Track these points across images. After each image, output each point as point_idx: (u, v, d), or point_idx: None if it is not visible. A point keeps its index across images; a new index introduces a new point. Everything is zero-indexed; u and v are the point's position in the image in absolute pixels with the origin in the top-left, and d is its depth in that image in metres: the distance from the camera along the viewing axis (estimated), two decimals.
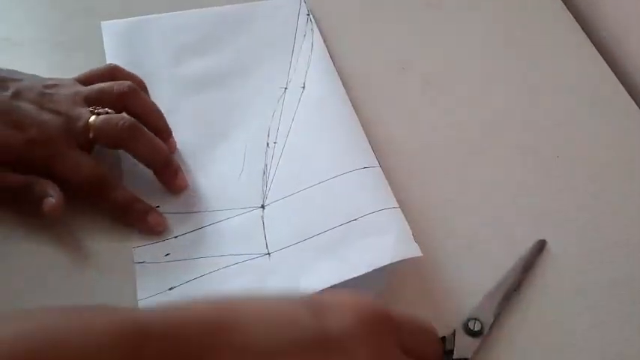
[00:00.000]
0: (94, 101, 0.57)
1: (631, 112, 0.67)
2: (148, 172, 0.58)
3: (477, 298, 0.53)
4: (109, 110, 0.57)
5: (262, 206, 0.57)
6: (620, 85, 0.69)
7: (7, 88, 0.56)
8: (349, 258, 0.52)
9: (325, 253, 0.53)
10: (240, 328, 0.37)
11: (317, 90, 0.64)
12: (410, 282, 0.54)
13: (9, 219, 0.55)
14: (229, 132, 0.62)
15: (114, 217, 0.56)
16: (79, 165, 0.55)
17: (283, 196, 0.57)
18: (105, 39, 0.68)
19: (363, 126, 0.62)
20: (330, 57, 0.68)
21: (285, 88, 0.65)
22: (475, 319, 0.51)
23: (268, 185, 0.58)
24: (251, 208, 0.57)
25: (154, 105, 0.60)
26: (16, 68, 0.58)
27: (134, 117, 0.57)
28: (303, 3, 0.72)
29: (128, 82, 0.59)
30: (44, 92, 0.57)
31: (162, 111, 0.60)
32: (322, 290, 0.50)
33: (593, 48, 0.72)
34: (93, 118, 0.55)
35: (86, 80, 0.60)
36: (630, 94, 0.68)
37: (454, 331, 0.51)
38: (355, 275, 0.50)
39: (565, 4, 0.75)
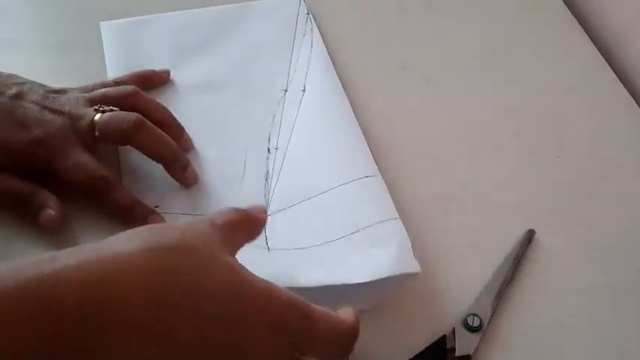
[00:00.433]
0: (98, 102, 0.57)
1: (631, 112, 0.67)
2: (148, 172, 0.58)
3: (474, 294, 0.53)
4: (114, 108, 0.57)
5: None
6: (620, 85, 0.69)
7: (8, 89, 0.56)
8: (348, 266, 0.52)
9: (324, 259, 0.53)
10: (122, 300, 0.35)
11: (317, 93, 0.64)
12: (407, 281, 0.54)
13: (9, 220, 0.55)
14: (229, 134, 0.62)
15: (114, 217, 0.55)
16: (80, 165, 0.54)
17: (286, 206, 0.57)
18: (104, 39, 0.68)
19: (362, 126, 0.62)
20: (330, 57, 0.68)
21: (285, 91, 0.65)
22: (474, 314, 0.51)
23: (270, 193, 0.58)
24: None
25: (160, 104, 0.60)
26: (16, 68, 0.58)
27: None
28: (302, 2, 0.72)
29: (132, 86, 0.59)
30: (47, 95, 0.57)
31: None
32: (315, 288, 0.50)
33: (593, 48, 0.72)
34: (98, 116, 0.55)
35: (91, 89, 0.60)
36: (630, 94, 0.68)
37: (454, 328, 0.51)
38: (351, 282, 0.50)
39: (565, 4, 0.75)
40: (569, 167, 0.63)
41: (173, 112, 0.61)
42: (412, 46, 0.71)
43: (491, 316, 0.52)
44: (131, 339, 0.35)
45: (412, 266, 0.51)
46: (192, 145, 0.61)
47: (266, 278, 0.45)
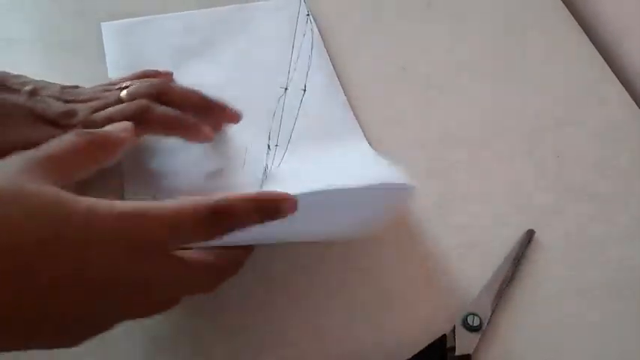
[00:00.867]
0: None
1: (631, 112, 0.67)
2: (146, 161, 0.58)
3: (474, 294, 0.53)
4: (135, 82, 0.57)
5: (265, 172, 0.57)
6: (620, 85, 0.69)
7: (23, 87, 0.55)
8: (345, 178, 0.53)
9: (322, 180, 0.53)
10: None
11: (319, 93, 0.65)
12: (407, 281, 0.54)
13: None
14: (230, 132, 0.62)
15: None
16: (112, 111, 0.54)
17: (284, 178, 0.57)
18: (105, 40, 0.68)
19: (362, 126, 0.62)
20: (331, 57, 0.68)
21: (286, 89, 0.65)
22: (473, 314, 0.51)
23: (268, 179, 0.58)
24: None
25: (188, 88, 0.60)
26: (16, 68, 0.58)
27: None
28: (303, 3, 0.72)
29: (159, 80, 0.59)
30: (63, 89, 0.56)
31: None
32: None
33: (593, 48, 0.72)
34: (123, 92, 0.56)
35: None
36: (630, 94, 0.68)
37: (454, 327, 0.51)
38: (349, 187, 0.49)
39: (565, 4, 0.75)
40: (569, 167, 0.63)
41: None
42: (412, 47, 0.71)
43: (491, 316, 0.52)
44: None
45: (407, 181, 0.50)
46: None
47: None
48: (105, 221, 0.38)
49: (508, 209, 0.59)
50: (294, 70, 0.66)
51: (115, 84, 0.59)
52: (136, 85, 0.57)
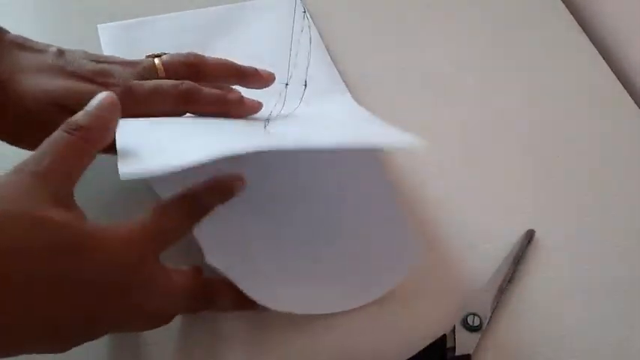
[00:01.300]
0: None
1: (631, 112, 0.67)
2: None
3: (474, 294, 0.53)
4: (166, 52, 0.57)
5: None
6: (620, 85, 0.69)
7: (45, 51, 0.54)
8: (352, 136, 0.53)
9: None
10: None
11: (320, 88, 0.65)
12: (407, 281, 0.54)
13: None
14: (232, 129, 0.62)
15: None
16: (160, 83, 0.53)
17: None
18: (102, 42, 0.68)
19: None
20: (330, 57, 0.68)
21: (287, 84, 0.65)
22: (473, 314, 0.51)
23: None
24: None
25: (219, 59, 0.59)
26: None
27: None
28: (298, 1, 0.72)
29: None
30: (88, 53, 0.55)
31: None
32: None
33: (593, 48, 0.72)
34: (157, 59, 0.55)
35: None
36: (630, 94, 0.68)
37: (454, 327, 0.51)
38: (357, 144, 0.51)
39: (565, 4, 0.75)
40: (569, 167, 0.63)
41: None
42: (412, 47, 0.71)
43: (491, 316, 0.52)
44: None
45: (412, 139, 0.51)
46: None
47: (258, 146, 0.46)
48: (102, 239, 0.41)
49: (508, 209, 0.59)
50: (295, 66, 0.66)
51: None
52: (170, 54, 0.56)
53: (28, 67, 0.52)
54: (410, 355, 0.50)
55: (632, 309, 0.54)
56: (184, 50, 0.67)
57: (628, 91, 0.69)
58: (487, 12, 0.74)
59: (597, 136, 0.65)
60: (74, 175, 0.42)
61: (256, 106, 0.57)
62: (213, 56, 0.67)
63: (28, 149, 0.52)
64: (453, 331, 0.51)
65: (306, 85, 0.65)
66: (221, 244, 0.52)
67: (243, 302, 0.48)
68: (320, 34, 0.70)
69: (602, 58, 0.71)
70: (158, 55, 0.56)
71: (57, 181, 0.41)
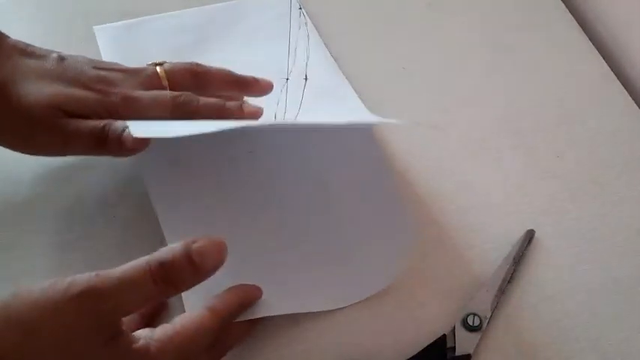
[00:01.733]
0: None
1: (631, 112, 0.67)
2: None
3: (474, 294, 0.53)
4: (168, 61, 0.57)
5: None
6: (620, 85, 0.69)
7: (46, 56, 0.54)
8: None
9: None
10: None
11: (321, 81, 0.65)
12: (407, 280, 0.54)
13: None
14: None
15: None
16: (158, 94, 0.54)
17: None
18: (100, 43, 0.67)
19: None
20: (331, 55, 0.68)
21: (287, 79, 0.65)
22: (473, 314, 0.51)
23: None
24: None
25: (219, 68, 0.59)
26: None
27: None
28: None
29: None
30: (89, 59, 0.56)
31: None
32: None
33: (593, 48, 0.72)
34: (159, 67, 0.55)
35: None
36: (630, 94, 0.68)
37: (454, 327, 0.51)
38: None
39: (565, 4, 0.75)
40: (569, 167, 0.63)
41: None
42: (412, 47, 0.71)
43: (491, 316, 0.52)
44: None
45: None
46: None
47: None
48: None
49: (508, 209, 0.59)
50: (294, 61, 0.66)
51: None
52: (172, 63, 0.56)
53: (28, 72, 0.52)
54: (410, 355, 0.50)
55: (632, 309, 0.54)
56: (183, 50, 0.67)
57: (628, 91, 0.69)
58: (487, 12, 0.74)
59: (597, 136, 0.65)
60: (131, 311, 0.40)
61: (257, 112, 0.57)
62: (213, 55, 0.67)
63: (28, 154, 0.53)
64: (453, 331, 0.51)
65: (306, 78, 0.65)
66: None
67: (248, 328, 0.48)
68: (319, 33, 0.70)
69: (602, 58, 0.71)
70: (160, 64, 0.56)
71: (119, 322, 0.39)
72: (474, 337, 0.51)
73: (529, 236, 0.57)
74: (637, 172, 0.63)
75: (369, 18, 0.73)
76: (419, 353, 0.50)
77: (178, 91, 0.54)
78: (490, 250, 0.56)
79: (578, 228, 0.59)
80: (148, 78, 0.55)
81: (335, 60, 0.68)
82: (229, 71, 0.59)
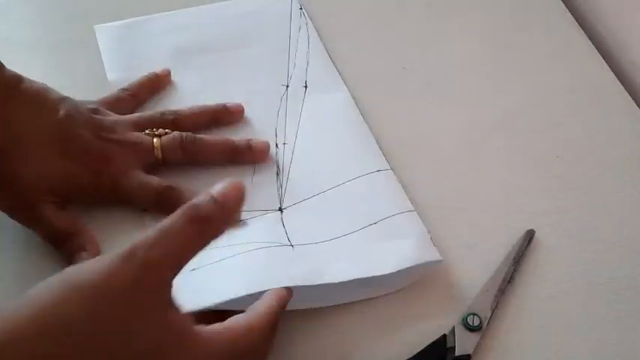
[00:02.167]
0: (143, 126, 0.59)
1: (631, 112, 0.67)
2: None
3: (474, 294, 0.53)
4: (167, 130, 0.58)
5: (280, 209, 0.57)
6: (620, 85, 0.69)
7: (55, 110, 0.55)
8: (370, 260, 0.53)
9: (346, 254, 0.53)
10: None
11: (320, 89, 0.65)
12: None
13: None
14: (235, 131, 0.62)
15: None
16: (146, 184, 0.56)
17: (300, 200, 0.57)
18: (100, 42, 0.67)
19: None
20: (331, 58, 0.68)
21: (287, 86, 0.65)
22: (473, 314, 0.51)
23: (283, 188, 0.58)
24: (269, 211, 0.57)
25: (197, 109, 0.62)
26: (15, 68, 0.57)
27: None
28: None
29: (173, 111, 0.61)
30: (92, 119, 0.57)
31: None
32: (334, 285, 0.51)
33: (593, 48, 0.72)
34: (156, 139, 0.57)
35: (109, 105, 0.61)
36: (630, 94, 0.68)
37: (453, 327, 0.51)
38: (376, 274, 0.51)
39: (565, 4, 0.75)
40: (569, 167, 0.63)
41: None
42: (413, 47, 0.71)
43: (491, 316, 0.52)
44: None
45: (433, 255, 0.53)
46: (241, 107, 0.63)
47: (292, 278, 0.48)
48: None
49: (508, 209, 0.59)
50: (294, 66, 0.66)
51: (121, 97, 0.62)
52: (169, 136, 0.58)
53: (32, 137, 0.54)
54: (410, 355, 0.50)
55: (632, 309, 0.54)
56: (182, 50, 0.67)
57: (628, 91, 0.68)
58: (487, 12, 0.74)
59: (597, 136, 0.65)
60: (183, 266, 0.40)
61: (264, 149, 0.60)
62: (212, 56, 0.67)
63: (22, 223, 0.55)
64: (453, 331, 0.51)
65: (306, 86, 0.65)
66: None
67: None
68: (319, 33, 0.70)
69: (602, 58, 0.71)
70: (159, 135, 0.58)
71: (167, 275, 0.39)
72: (474, 337, 0.51)
73: (529, 236, 0.57)
74: (637, 171, 0.63)
75: (369, 18, 0.73)
76: (419, 353, 0.50)
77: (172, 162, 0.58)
78: (490, 250, 0.56)
79: (578, 228, 0.59)
80: (145, 151, 0.57)
81: (334, 59, 0.68)
82: (224, 141, 0.60)
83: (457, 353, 0.50)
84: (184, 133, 0.58)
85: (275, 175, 0.59)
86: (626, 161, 0.63)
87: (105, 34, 0.68)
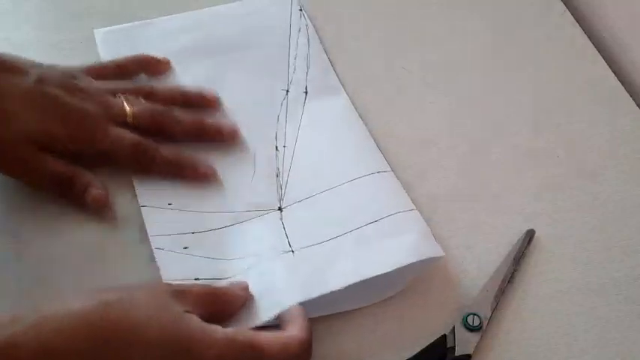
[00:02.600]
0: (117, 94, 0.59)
1: (631, 112, 0.67)
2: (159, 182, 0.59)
3: (474, 294, 0.53)
4: (141, 99, 0.59)
5: (280, 209, 0.57)
6: (620, 85, 0.69)
7: (26, 73, 0.56)
8: (372, 257, 0.53)
9: (348, 253, 0.53)
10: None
11: (320, 94, 0.65)
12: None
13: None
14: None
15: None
16: (122, 137, 0.57)
17: (299, 199, 0.57)
18: (99, 46, 0.67)
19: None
20: (330, 57, 0.68)
21: (287, 91, 0.65)
22: (473, 314, 0.51)
23: (283, 188, 0.58)
24: (268, 211, 0.57)
25: (174, 87, 0.63)
26: None
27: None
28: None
29: (150, 85, 0.62)
30: (66, 80, 0.58)
31: None
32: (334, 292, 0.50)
33: (593, 48, 0.72)
34: (128, 105, 0.58)
35: (92, 72, 0.61)
36: (630, 94, 0.68)
37: (453, 327, 0.51)
38: (379, 273, 0.51)
39: (565, 4, 0.75)
40: (569, 167, 0.63)
41: None
42: (412, 47, 0.71)
43: (491, 316, 0.52)
44: None
45: (435, 250, 0.53)
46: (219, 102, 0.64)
47: (296, 287, 0.49)
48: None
49: (508, 209, 0.59)
50: (294, 70, 0.66)
51: (107, 67, 0.63)
52: (142, 105, 0.59)
53: (6, 97, 0.54)
54: (410, 355, 0.50)
55: (632, 309, 0.54)
56: (181, 53, 0.67)
57: (628, 91, 0.68)
58: (487, 12, 0.74)
59: (597, 135, 0.65)
60: (205, 308, 0.47)
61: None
62: (211, 59, 0.67)
63: (6, 174, 0.56)
64: (453, 331, 0.51)
65: (306, 92, 0.65)
66: None
67: None
68: (319, 33, 0.70)
69: (602, 58, 0.71)
70: (131, 103, 0.59)
71: (189, 299, 0.46)
72: (474, 337, 0.51)
73: (529, 236, 0.57)
74: (637, 171, 0.63)
75: (369, 17, 0.73)
76: (419, 353, 0.50)
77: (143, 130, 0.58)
78: (490, 250, 0.56)
79: (578, 228, 0.59)
80: (114, 114, 0.58)
81: (334, 59, 0.68)
82: (194, 118, 0.61)
83: (457, 353, 0.50)
84: (156, 104, 0.59)
85: (275, 176, 0.59)
86: (626, 161, 0.63)
87: (104, 38, 0.68)
